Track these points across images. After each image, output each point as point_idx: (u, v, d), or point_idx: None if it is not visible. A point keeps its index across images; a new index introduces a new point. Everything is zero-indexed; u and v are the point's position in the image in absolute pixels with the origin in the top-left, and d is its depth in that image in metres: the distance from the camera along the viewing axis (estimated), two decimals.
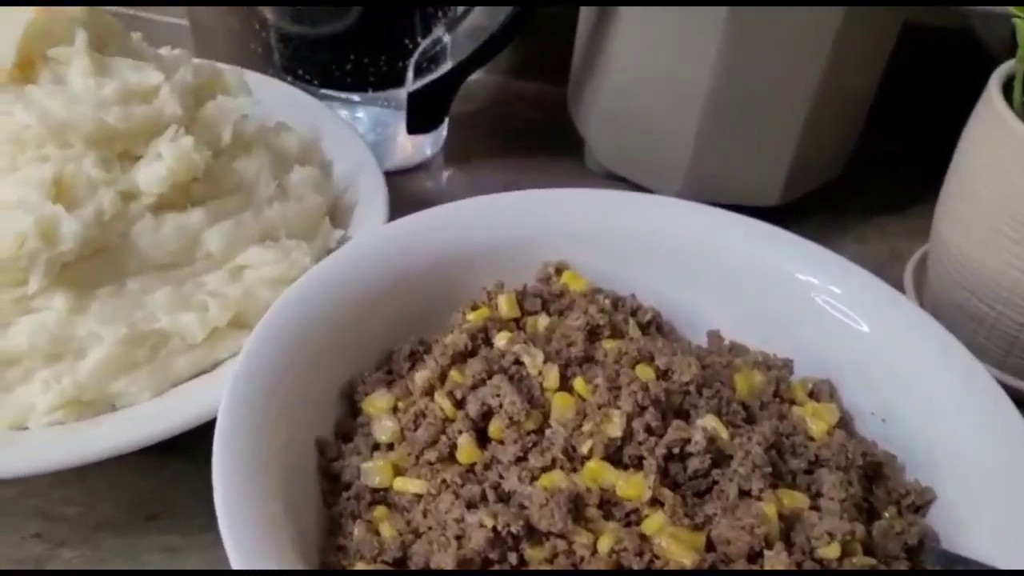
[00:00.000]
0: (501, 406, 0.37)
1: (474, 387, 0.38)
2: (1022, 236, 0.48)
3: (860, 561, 0.35)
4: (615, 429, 0.36)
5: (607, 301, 0.46)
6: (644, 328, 0.45)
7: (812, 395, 0.43)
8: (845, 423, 0.42)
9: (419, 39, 0.64)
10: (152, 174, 0.43)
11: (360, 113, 0.68)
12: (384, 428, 0.39)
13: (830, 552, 0.34)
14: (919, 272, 0.60)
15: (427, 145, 0.70)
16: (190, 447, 0.39)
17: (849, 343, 0.43)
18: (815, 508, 0.36)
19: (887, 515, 0.38)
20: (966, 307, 0.53)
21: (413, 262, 0.45)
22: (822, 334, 0.44)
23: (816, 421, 0.40)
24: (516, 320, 0.44)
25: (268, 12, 0.64)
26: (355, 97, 0.67)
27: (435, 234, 0.46)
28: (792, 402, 0.42)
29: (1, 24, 0.43)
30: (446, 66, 0.65)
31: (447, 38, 0.64)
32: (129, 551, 0.43)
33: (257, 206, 0.46)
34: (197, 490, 0.37)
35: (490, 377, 0.39)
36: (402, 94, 0.66)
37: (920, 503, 0.39)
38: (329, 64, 0.64)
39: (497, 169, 0.70)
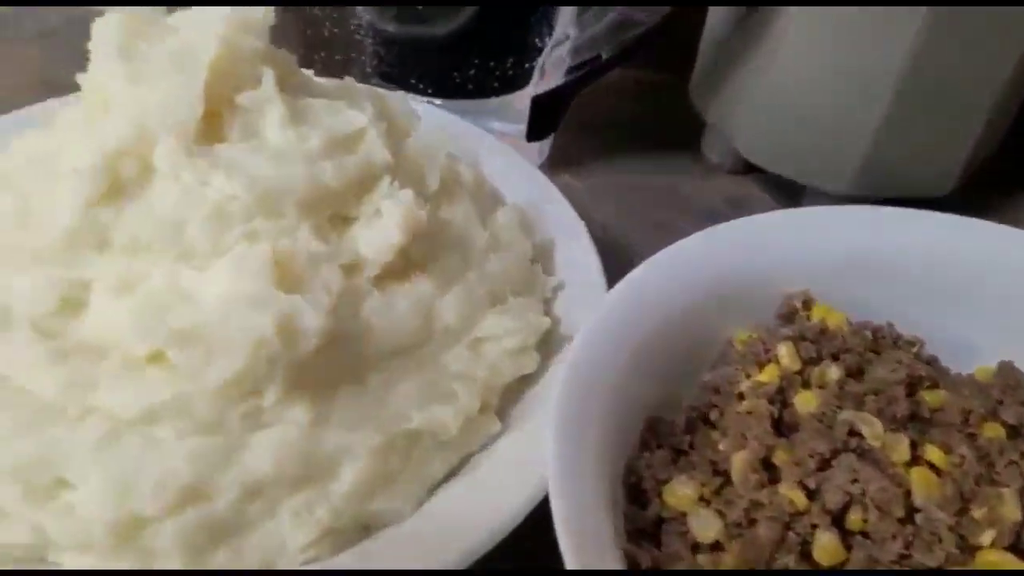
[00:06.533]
0: (864, 493, 0.32)
1: (819, 470, 0.33)
2: None
3: None
4: (1014, 512, 0.31)
5: (870, 335, 0.40)
6: None
7: None
8: None
9: (546, 37, 0.56)
10: (375, 239, 0.35)
11: None
12: (706, 525, 0.33)
13: None
14: None
15: (535, 154, 0.62)
16: None
17: None
18: None
19: None
20: None
21: (661, 316, 0.39)
22: None
23: None
24: (799, 372, 0.38)
25: (366, 12, 0.56)
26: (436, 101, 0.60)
27: (674, 282, 0.40)
28: None
29: (169, 63, 0.34)
30: (561, 66, 0.58)
31: (574, 33, 0.57)
32: None
33: (478, 262, 0.38)
34: None
35: (833, 456, 0.33)
36: (515, 99, 0.59)
37: None
38: (447, 69, 0.56)
39: (612, 172, 0.63)
